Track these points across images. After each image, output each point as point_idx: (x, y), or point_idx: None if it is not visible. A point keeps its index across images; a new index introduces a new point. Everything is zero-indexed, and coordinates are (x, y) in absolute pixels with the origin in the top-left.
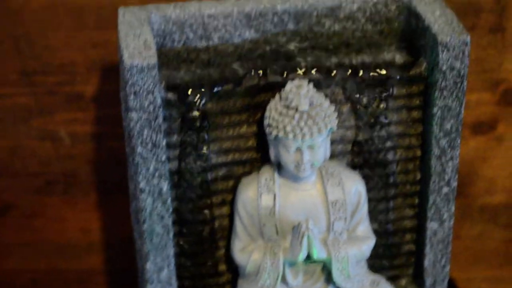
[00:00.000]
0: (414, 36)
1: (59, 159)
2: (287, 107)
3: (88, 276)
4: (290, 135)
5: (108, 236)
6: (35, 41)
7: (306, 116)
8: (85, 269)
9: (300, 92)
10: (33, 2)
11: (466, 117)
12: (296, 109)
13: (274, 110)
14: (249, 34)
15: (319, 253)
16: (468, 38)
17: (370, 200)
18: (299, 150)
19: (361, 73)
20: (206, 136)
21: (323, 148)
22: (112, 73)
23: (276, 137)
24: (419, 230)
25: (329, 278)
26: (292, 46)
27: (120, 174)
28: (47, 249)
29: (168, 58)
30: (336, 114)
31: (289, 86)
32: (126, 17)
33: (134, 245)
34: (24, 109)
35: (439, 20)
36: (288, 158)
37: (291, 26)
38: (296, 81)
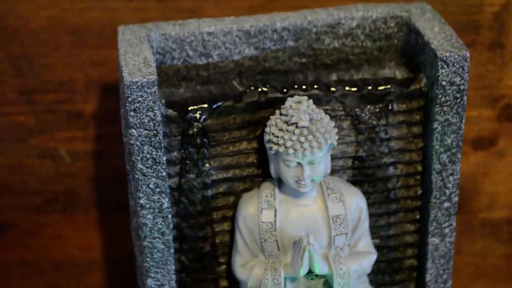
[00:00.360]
0: (414, 52)
1: (58, 177)
2: (287, 122)
3: None
4: (291, 151)
5: (108, 254)
6: (34, 60)
7: (306, 132)
8: (86, 287)
9: (300, 108)
10: (32, 22)
11: (467, 132)
12: (296, 125)
13: (274, 126)
14: (248, 51)
15: (320, 268)
16: (468, 54)
17: (371, 215)
18: (299, 165)
19: (360, 89)
20: (206, 153)
21: (323, 163)
22: (111, 91)
23: (277, 152)
24: (421, 245)
25: None
26: (291, 63)
27: (120, 192)
28: (47, 267)
29: (167, 75)
30: (336, 130)
31: (289, 102)
32: (126, 35)
33: (135, 262)
34: (24, 128)
35: (438, 36)
36: (289, 173)
37: (290, 43)
38: (296, 97)
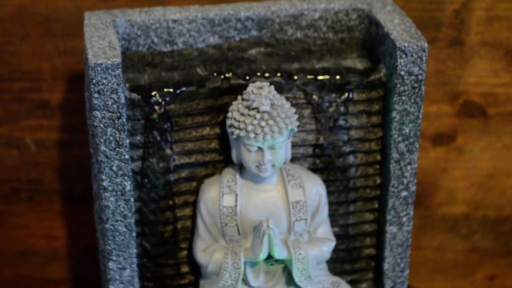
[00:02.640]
0: (374, 44)
1: (24, 167)
2: (249, 107)
3: (52, 284)
4: (252, 135)
5: (72, 244)
6: (2, 48)
7: (267, 116)
8: (49, 277)
9: (261, 93)
10: (0, 12)
11: (427, 128)
12: (258, 110)
13: (236, 111)
14: (213, 39)
15: (279, 253)
16: (426, 44)
17: (331, 204)
18: (260, 150)
19: (321, 77)
20: (169, 137)
21: (284, 149)
22: (78, 81)
23: (238, 137)
24: (379, 234)
25: (290, 280)
26: (255, 52)
27: (85, 182)
28: (11, 256)
29: (132, 61)
30: (296, 116)
31: (251, 87)
32: (92, 20)
33: (98, 252)
34: None
35: (398, 27)
36: (250, 158)
37: (254, 32)
38: (258, 83)
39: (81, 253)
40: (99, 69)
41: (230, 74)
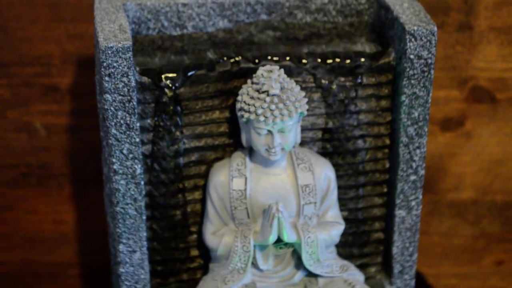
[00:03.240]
0: (384, 28)
1: (34, 151)
2: (259, 91)
3: (62, 268)
4: (261, 118)
5: (82, 229)
6: (12, 33)
7: (277, 100)
8: (59, 261)
9: (271, 76)
10: None
11: (435, 113)
12: (267, 93)
13: (246, 94)
14: (222, 23)
15: (289, 236)
16: (435, 28)
17: (340, 188)
18: (270, 133)
19: (331, 61)
20: (179, 121)
21: (293, 132)
22: (87, 65)
23: (248, 120)
24: (388, 218)
25: (299, 263)
26: (264, 35)
27: (94, 167)
28: (21, 241)
29: (143, 45)
30: (306, 99)
31: (261, 71)
32: (102, 4)
33: (108, 237)
34: (0, 101)
35: (407, 11)
36: (259, 141)
37: (263, 16)
38: (268, 66)
39: (90, 237)
40: (109, 52)
41: (240, 57)
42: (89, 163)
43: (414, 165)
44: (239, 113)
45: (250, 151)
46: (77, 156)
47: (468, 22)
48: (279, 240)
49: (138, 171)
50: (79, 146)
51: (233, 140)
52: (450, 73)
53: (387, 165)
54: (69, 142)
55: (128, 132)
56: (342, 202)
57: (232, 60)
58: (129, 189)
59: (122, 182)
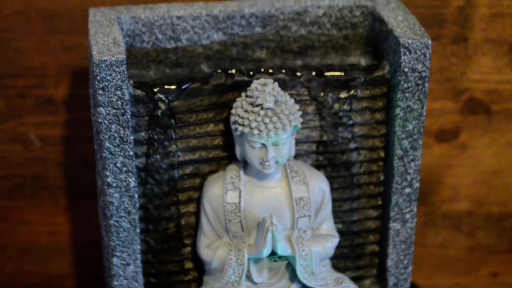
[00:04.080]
0: (378, 41)
1: (28, 162)
2: (253, 104)
3: (56, 279)
4: (255, 132)
5: (76, 240)
6: (6, 44)
7: (271, 113)
8: (52, 273)
9: (265, 89)
10: (5, 8)
11: (430, 125)
12: (262, 106)
13: (240, 107)
14: (217, 36)
15: (283, 249)
16: (429, 41)
17: (334, 200)
18: (264, 146)
19: (325, 74)
20: (173, 134)
21: (287, 145)
22: (82, 77)
23: (242, 133)
24: (382, 231)
25: (293, 276)
26: (259, 48)
27: (89, 178)
28: (14, 252)
29: (137, 58)
30: (300, 112)
31: (255, 84)
32: (97, 17)
33: (102, 248)
34: None
35: (402, 24)
36: (253, 155)
37: (258, 29)
38: (262, 79)
39: (85, 248)
40: (103, 65)
41: (234, 70)
42: (84, 174)
43: (408, 177)
44: (233, 126)
45: (245, 164)
46: (71, 168)
47: (463, 34)
48: (273, 253)
49: (132, 184)
50: (74, 157)
51: (227, 153)
52: (445, 85)
53: (382, 177)
54: (63, 153)
55: (122, 145)
56: (337, 214)
57: (226, 73)
58: (123, 202)
59: (116, 195)
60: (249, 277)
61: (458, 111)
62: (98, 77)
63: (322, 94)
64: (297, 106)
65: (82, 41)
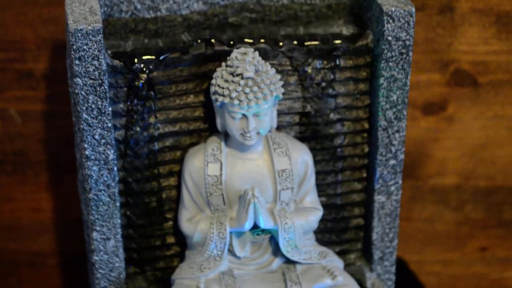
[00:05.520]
0: (361, 10)
1: (9, 138)
2: (233, 74)
3: (39, 257)
4: (236, 102)
5: (59, 217)
6: None
7: (251, 83)
8: (36, 250)
9: (245, 59)
10: None
11: (417, 97)
12: (242, 76)
13: (220, 77)
14: (197, 6)
15: (265, 222)
16: (413, 9)
17: (318, 173)
18: (244, 117)
19: (307, 43)
20: (152, 105)
21: (269, 116)
22: (62, 50)
23: (222, 104)
24: (367, 204)
25: (277, 250)
26: (240, 18)
27: (71, 153)
28: None
29: (115, 28)
30: (281, 83)
31: (235, 53)
32: None
33: (83, 221)
34: None
35: None
36: (234, 125)
37: None
38: (242, 49)
39: (68, 225)
40: (79, 35)
41: (214, 40)
42: (66, 150)
43: (393, 149)
44: (213, 97)
45: (226, 136)
46: (53, 143)
47: (449, 4)
48: (255, 227)
49: (111, 156)
50: (55, 132)
51: (208, 125)
52: (431, 57)
53: (366, 149)
54: (44, 128)
55: (99, 117)
56: (321, 187)
57: (206, 43)
58: (102, 175)
59: (95, 168)
60: (231, 251)
61: (445, 83)
62: (74, 47)
63: (304, 64)
64: (278, 76)
65: (62, 14)
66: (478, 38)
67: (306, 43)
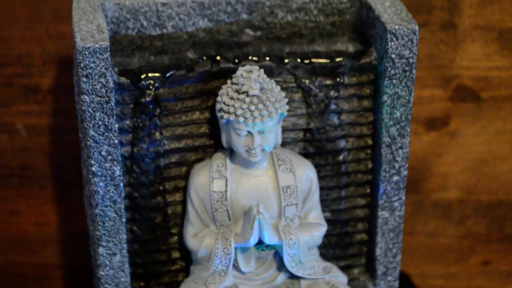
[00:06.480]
0: (365, 27)
1: (15, 152)
2: (238, 91)
3: (45, 270)
4: (241, 119)
5: (64, 230)
6: None
7: (256, 100)
8: (41, 263)
9: (250, 76)
10: None
11: (420, 113)
12: (247, 93)
13: (225, 94)
14: (202, 23)
15: (270, 238)
16: (416, 27)
17: (322, 189)
18: (250, 134)
19: (312, 61)
20: (158, 122)
21: (273, 133)
22: (69, 65)
23: (228, 121)
24: (371, 219)
25: (281, 265)
26: (245, 35)
27: (77, 167)
28: (2, 242)
29: (121, 45)
30: (286, 100)
31: (240, 71)
32: (81, 3)
33: (89, 238)
34: None
35: (389, 10)
36: (239, 142)
37: (244, 16)
38: (247, 66)
39: (73, 238)
40: (87, 52)
41: (220, 57)
42: (71, 164)
43: (396, 165)
44: (218, 114)
45: (231, 152)
46: (59, 157)
47: (452, 21)
48: (260, 242)
49: (117, 172)
50: (60, 146)
51: (213, 141)
52: (434, 72)
53: (370, 165)
54: (50, 143)
55: (106, 134)
56: (325, 203)
57: (212, 60)
58: (108, 191)
59: (101, 184)
60: (236, 267)
61: (448, 98)
62: (82, 64)
63: (308, 81)
64: (283, 93)
65: (68, 30)
66: (481, 54)
67: (310, 60)
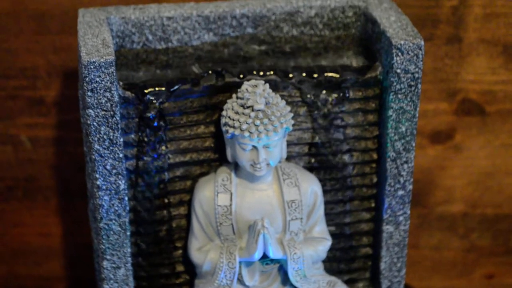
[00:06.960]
0: (371, 41)
1: (19, 164)
2: (243, 106)
3: (48, 281)
4: (246, 134)
5: (68, 242)
6: None
7: (261, 115)
8: (45, 275)
9: (256, 91)
10: None
11: (424, 126)
12: (252, 108)
13: (230, 109)
14: (208, 37)
15: (274, 252)
16: (422, 42)
17: (327, 203)
18: (255, 149)
19: (317, 75)
20: (163, 136)
21: (278, 147)
22: (73, 78)
23: (233, 135)
24: (375, 233)
25: (285, 279)
26: (250, 49)
27: (81, 179)
28: (6, 254)
29: (127, 59)
30: (291, 114)
31: (245, 85)
32: (86, 18)
33: (93, 251)
34: None
35: (394, 25)
36: (244, 157)
37: (249, 30)
38: (252, 81)
39: (77, 250)
40: (92, 67)
41: (225, 72)
42: (76, 176)
43: (401, 180)
44: (223, 128)
45: (236, 166)
46: (63, 169)
47: (457, 35)
48: (265, 256)
49: (122, 186)
50: (65, 159)
51: (218, 155)
52: (439, 86)
53: (375, 179)
54: (55, 155)
55: (111, 148)
56: (329, 217)
57: (217, 75)
58: (112, 204)
59: (106, 197)
60: (240, 281)
61: (453, 112)
62: (87, 79)
63: (314, 95)
64: (289, 108)
65: (73, 42)
66: (486, 68)
67: (315, 75)
